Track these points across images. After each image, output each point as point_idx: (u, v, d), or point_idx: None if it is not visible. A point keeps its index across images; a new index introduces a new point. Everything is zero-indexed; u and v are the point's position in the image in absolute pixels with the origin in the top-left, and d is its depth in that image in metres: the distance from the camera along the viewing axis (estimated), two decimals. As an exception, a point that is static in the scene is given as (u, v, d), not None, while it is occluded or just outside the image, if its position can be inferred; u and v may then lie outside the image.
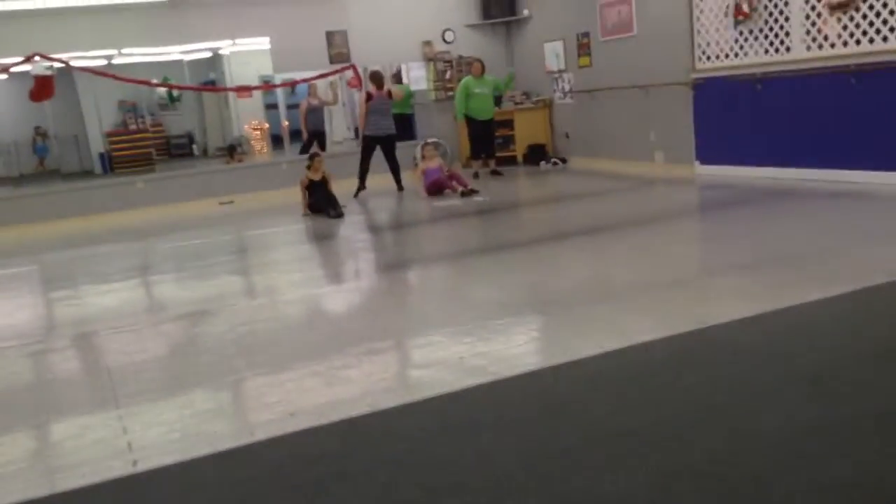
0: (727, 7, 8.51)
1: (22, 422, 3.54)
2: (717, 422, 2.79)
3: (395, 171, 10.43)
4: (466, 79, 11.24)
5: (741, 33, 8.44)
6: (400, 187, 10.38)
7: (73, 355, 4.72)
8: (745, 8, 8.27)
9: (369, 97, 10.09)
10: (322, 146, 12.33)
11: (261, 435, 3.08)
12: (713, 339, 3.72)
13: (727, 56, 8.68)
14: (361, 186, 10.20)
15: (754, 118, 8.42)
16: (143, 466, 2.89)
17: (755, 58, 8.33)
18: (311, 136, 12.41)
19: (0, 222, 9.83)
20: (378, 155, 10.25)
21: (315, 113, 12.54)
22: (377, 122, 10.11)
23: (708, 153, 9.12)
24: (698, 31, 8.97)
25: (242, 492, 2.62)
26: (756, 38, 8.30)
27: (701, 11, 8.89)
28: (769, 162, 8.29)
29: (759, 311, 4.01)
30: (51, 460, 3.10)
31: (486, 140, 11.31)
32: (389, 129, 10.25)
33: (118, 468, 2.89)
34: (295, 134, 13.15)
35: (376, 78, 10.29)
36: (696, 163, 9.25)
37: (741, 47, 8.48)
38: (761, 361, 3.35)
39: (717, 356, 3.48)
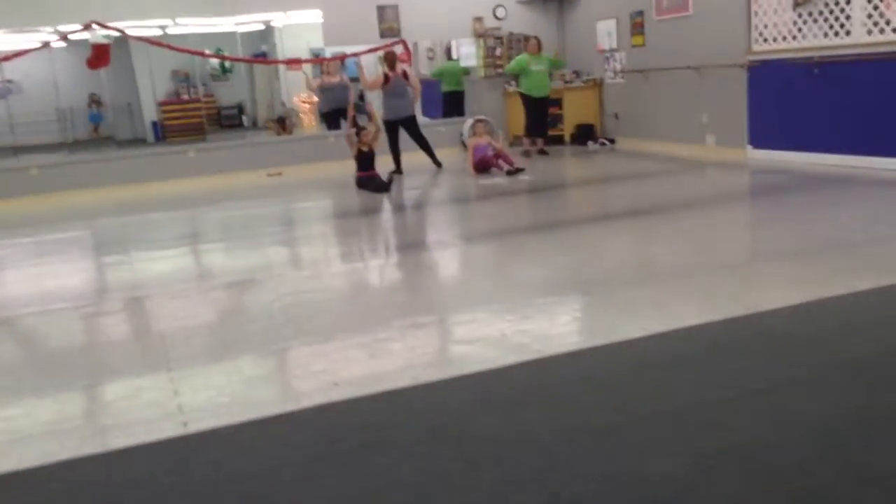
0: (787, -12, 8.31)
1: (77, 381, 3.66)
2: (762, 407, 2.77)
3: (426, 147, 10.38)
4: (523, 55, 11.15)
5: (800, 15, 8.24)
6: (437, 163, 10.35)
7: (126, 318, 4.84)
8: (806, -11, 8.07)
9: (387, 79, 10.05)
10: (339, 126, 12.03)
11: (306, 403, 3.15)
12: (760, 325, 3.69)
13: (784, 39, 8.49)
14: (397, 170, 10.05)
15: (810, 103, 8.24)
16: (193, 428, 2.97)
17: (814, 41, 8.14)
18: (330, 116, 11.91)
19: (55, 187, 10.07)
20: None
21: (333, 91, 11.71)
22: (393, 105, 10.10)
23: (761, 137, 8.96)
24: (756, 13, 8.78)
25: (287, 457, 2.68)
26: (815, 21, 8.11)
27: (759, -8, 8.70)
28: (824, 148, 8.12)
29: (808, 299, 3.96)
30: (104, 419, 3.20)
31: (541, 119, 11.25)
32: (406, 111, 10.19)
33: (169, 429, 2.98)
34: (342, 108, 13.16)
35: (389, 59, 10.24)
36: (749, 147, 9.10)
37: (799, 30, 8.29)
38: (808, 349, 3.32)
39: (764, 343, 3.45)
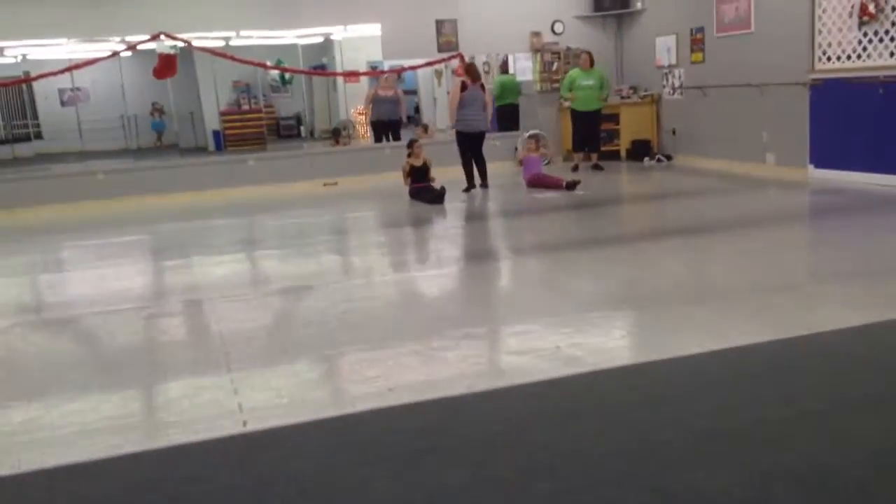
0: (852, 7, 8.17)
1: (140, 379, 3.78)
2: (821, 428, 2.74)
3: (483, 168, 9.84)
4: (574, 70, 11.22)
5: (865, 34, 8.10)
6: (485, 183, 9.78)
7: (186, 320, 4.97)
8: (872, 8, 7.92)
9: (464, 87, 9.61)
10: (395, 136, 12.13)
11: (361, 406, 3.20)
12: (819, 346, 3.64)
13: (849, 58, 8.34)
14: (470, 185, 9.71)
15: (874, 123, 8.07)
16: (252, 427, 3.05)
17: (879, 60, 7.98)
18: (378, 126, 12.11)
19: (120, 192, 10.37)
20: None
21: (384, 104, 12.01)
22: (469, 115, 9.59)
23: (822, 157, 8.80)
24: (819, 31, 8.65)
25: (342, 458, 2.73)
26: (881, 40, 7.95)
27: (823, 10, 8.56)
28: (888, 169, 7.94)
29: (869, 321, 3.89)
30: (166, 416, 3.30)
31: (590, 133, 11.22)
32: (481, 126, 9.74)
33: (229, 427, 3.06)
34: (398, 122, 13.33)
35: (472, 71, 9.86)
36: (810, 166, 8.94)
37: (864, 49, 8.14)
38: (868, 372, 3.26)
39: (823, 364, 3.40)
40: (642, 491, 2.37)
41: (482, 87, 9.85)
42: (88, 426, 3.18)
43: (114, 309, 5.12)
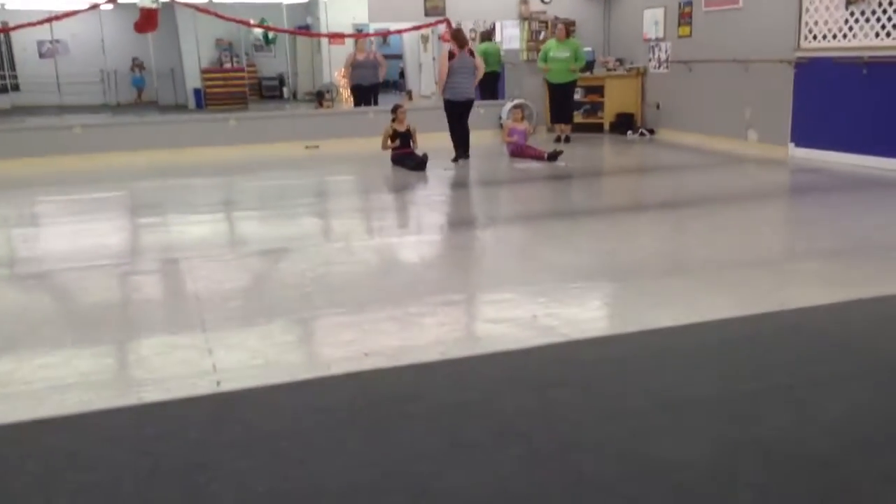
0: (840, -15, 8.17)
1: (113, 336, 3.76)
2: (788, 403, 2.78)
3: (466, 137, 9.50)
4: (550, 41, 11.14)
5: (852, 14, 8.10)
6: (466, 154, 9.45)
7: (162, 279, 4.94)
8: (860, -13, 7.93)
9: (451, 56, 9.32)
10: (375, 100, 12.11)
11: (336, 370, 3.21)
12: (791, 322, 3.68)
13: (835, 37, 8.35)
14: (459, 154, 9.42)
15: (857, 103, 8.11)
16: (225, 387, 3.05)
17: (864, 41, 8.00)
18: (358, 92, 12.10)
19: (97, 148, 10.22)
20: None
21: (362, 68, 11.96)
22: (458, 84, 9.32)
23: (804, 135, 8.84)
24: (807, 9, 8.64)
25: (316, 420, 2.74)
26: (867, 21, 7.96)
27: (812, -12, 8.56)
28: (868, 150, 8.00)
29: (842, 299, 3.94)
30: (139, 373, 3.28)
31: (561, 104, 11.19)
32: (469, 93, 9.43)
33: (203, 386, 3.06)
34: (383, 85, 13.23)
35: (459, 37, 9.55)
36: (791, 144, 8.98)
37: (850, 28, 8.15)
38: (838, 349, 3.31)
39: (794, 340, 3.45)
40: (612, 458, 2.40)
41: (471, 52, 9.56)
42: (60, 381, 3.16)
43: (88, 265, 5.08)
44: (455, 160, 9.37)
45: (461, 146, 9.49)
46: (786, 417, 2.66)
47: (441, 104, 9.67)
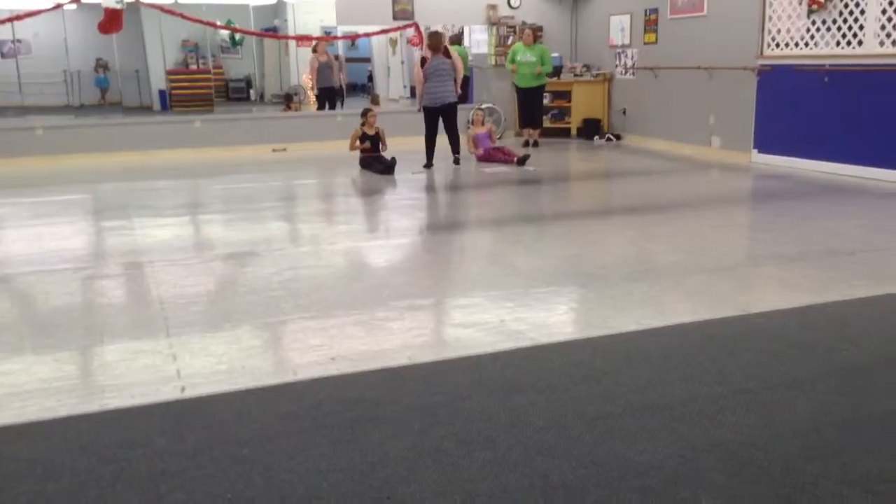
0: (802, -6, 8.32)
1: (76, 341, 3.70)
2: (751, 406, 2.82)
3: (454, 141, 9.39)
4: (517, 44, 11.24)
5: (814, 23, 8.25)
6: (456, 160, 9.39)
7: (125, 283, 4.87)
8: (821, -3, 8.08)
9: (423, 62, 9.14)
10: (333, 105, 12.20)
11: (303, 375, 3.20)
12: (753, 326, 3.74)
13: (797, 45, 8.50)
14: (430, 163, 9.26)
15: (818, 111, 8.26)
16: (190, 393, 3.02)
17: (826, 49, 8.16)
18: (322, 93, 12.19)
19: (60, 150, 10.08)
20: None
21: (321, 70, 12.07)
22: (434, 89, 9.07)
23: (766, 142, 8.99)
24: (770, 17, 8.79)
25: (282, 426, 2.73)
26: (829, 30, 8.12)
27: (775, -3, 8.71)
28: (829, 156, 8.15)
29: (803, 304, 4.01)
30: (102, 379, 3.24)
31: (530, 109, 11.26)
32: (447, 97, 9.15)
33: (167, 392, 3.03)
34: (351, 88, 13.22)
35: (432, 40, 9.23)
36: (754, 151, 9.13)
37: (812, 37, 8.30)
38: (799, 353, 3.36)
39: (757, 343, 3.50)
40: (578, 463, 2.42)
41: (446, 52, 9.21)
42: (21, 388, 3.11)
43: (50, 269, 5.00)
44: (426, 167, 9.20)
45: (452, 147, 9.34)
46: (748, 420, 2.70)
47: (412, 109, 9.66)
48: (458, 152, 9.40)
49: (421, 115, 9.44)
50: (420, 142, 9.46)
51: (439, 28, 12.25)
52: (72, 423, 2.79)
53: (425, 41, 9.59)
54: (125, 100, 15.21)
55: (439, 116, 9.25)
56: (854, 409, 2.81)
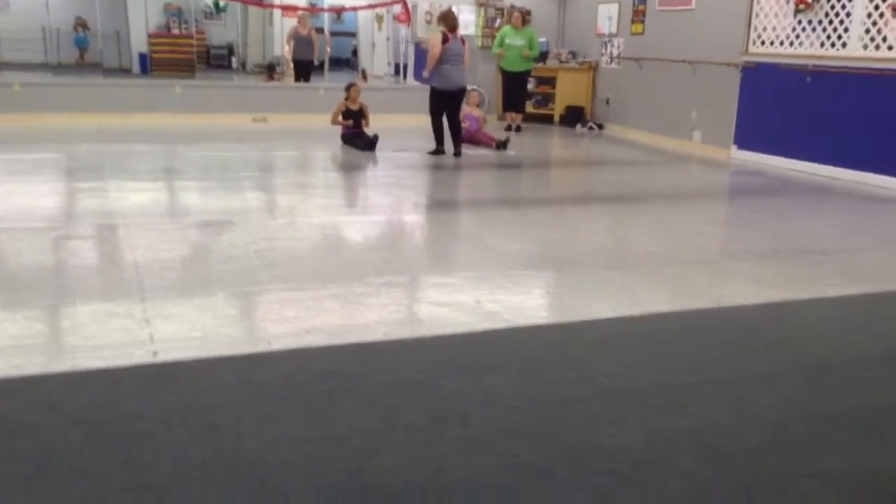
0: (791, -7, 8.36)
1: (47, 300, 3.66)
2: (720, 396, 2.86)
3: (457, 132, 8.89)
4: (506, 27, 11.16)
5: (800, 22, 8.31)
6: (458, 151, 8.77)
7: (99, 245, 4.81)
8: (809, -3, 8.13)
9: (445, 38, 8.50)
10: (307, 77, 12.17)
11: (277, 345, 3.18)
12: (726, 319, 3.78)
13: (782, 43, 8.55)
14: (440, 147, 8.74)
15: (799, 110, 8.33)
16: (162, 357, 3.00)
17: (810, 49, 8.22)
18: (298, 66, 12.19)
19: (37, 108, 9.90)
20: None
21: (303, 43, 12.05)
22: (449, 73, 8.56)
23: (746, 139, 9.05)
24: (757, 14, 8.83)
25: (254, 395, 2.72)
26: (814, 30, 8.17)
27: (763, -6, 8.75)
28: (807, 156, 8.23)
29: (775, 300, 4.06)
30: (73, 339, 3.20)
31: (516, 94, 11.22)
32: (461, 82, 8.73)
33: (139, 356, 3.00)
34: (335, 62, 13.12)
35: (449, 19, 8.68)
36: (734, 147, 9.19)
37: (797, 36, 8.36)
38: (771, 347, 3.41)
39: (729, 336, 3.54)
40: (548, 445, 2.44)
41: (463, 39, 8.87)
42: (-11, 345, 3.07)
43: (22, 227, 4.93)
44: (434, 153, 8.69)
45: (446, 140, 8.78)
46: (718, 411, 2.74)
47: (397, 87, 9.59)
48: (459, 144, 8.86)
49: (405, 93, 9.38)
50: (402, 121, 9.41)
51: (426, 6, 12.18)
52: (41, 382, 2.76)
53: (442, 22, 8.81)
54: (105, 61, 14.98)
55: (448, 101, 8.76)
56: (819, 405, 2.86)
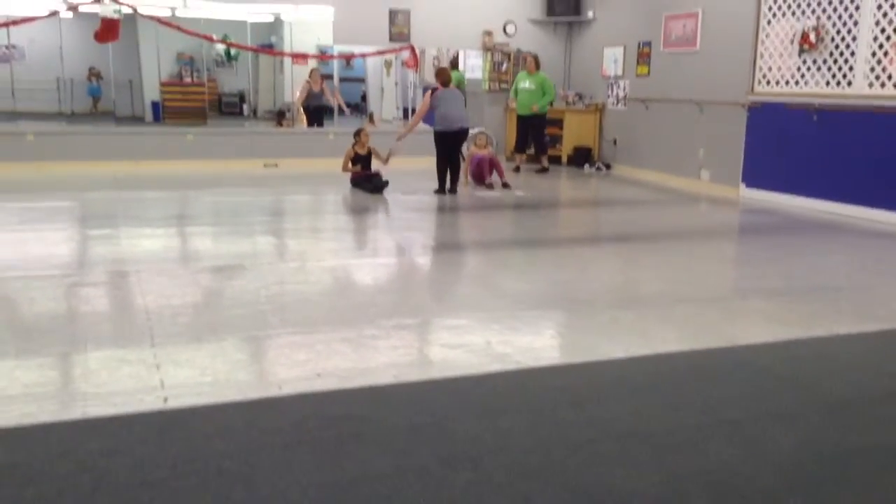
0: (794, 34, 8.44)
1: (59, 348, 3.67)
2: (735, 436, 2.82)
3: (455, 167, 9.15)
4: (521, 72, 11.40)
5: (804, 62, 8.37)
6: (454, 188, 9.09)
7: (111, 291, 4.84)
8: (812, 38, 8.19)
9: (432, 92, 9.08)
10: (320, 122, 12.40)
11: (288, 390, 3.18)
12: (738, 358, 3.75)
13: (787, 83, 8.61)
14: (441, 189, 9.04)
15: (806, 148, 8.35)
16: (173, 404, 2.99)
17: (815, 88, 8.27)
18: (312, 114, 12.45)
19: (50, 156, 10.04)
20: None
21: (314, 97, 12.44)
22: (447, 114, 8.96)
23: (754, 177, 9.07)
24: (761, 55, 8.90)
25: (265, 440, 2.70)
26: (819, 69, 8.23)
27: (767, 35, 8.82)
28: (816, 194, 8.23)
29: (788, 338, 4.03)
30: (85, 387, 3.20)
31: (524, 136, 11.38)
32: (462, 121, 9.08)
33: (149, 402, 3.00)
34: (347, 106, 13.29)
35: (443, 74, 9.22)
36: (742, 185, 9.21)
37: (802, 76, 8.41)
38: (785, 385, 3.38)
39: (742, 375, 3.51)
40: (561, 488, 2.41)
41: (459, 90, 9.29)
42: (2, 393, 3.08)
43: (35, 275, 4.97)
44: (438, 192, 8.99)
45: (451, 178, 9.08)
46: (732, 451, 2.71)
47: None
48: (456, 181, 9.17)
49: (412, 137, 9.53)
50: (412, 163, 9.53)
51: (433, 52, 12.37)
52: (53, 430, 2.76)
53: (436, 77, 9.37)
54: (118, 109, 15.17)
55: (450, 142, 9.05)
56: (836, 444, 2.82)
